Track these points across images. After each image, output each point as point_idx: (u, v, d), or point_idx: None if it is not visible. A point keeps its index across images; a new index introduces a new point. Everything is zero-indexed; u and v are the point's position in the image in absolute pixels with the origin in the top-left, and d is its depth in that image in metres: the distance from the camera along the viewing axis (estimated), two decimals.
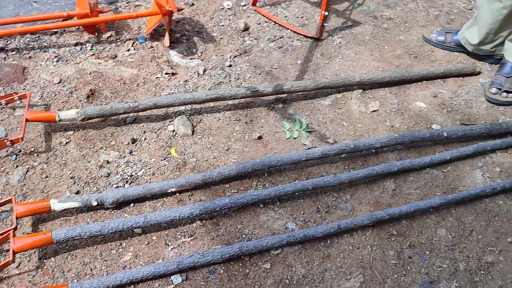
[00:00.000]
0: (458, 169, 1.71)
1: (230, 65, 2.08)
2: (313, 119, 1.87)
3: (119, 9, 2.27)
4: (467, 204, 1.60)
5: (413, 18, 2.35)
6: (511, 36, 1.96)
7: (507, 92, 1.94)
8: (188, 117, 1.83)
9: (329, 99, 1.95)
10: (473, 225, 1.55)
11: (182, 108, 1.87)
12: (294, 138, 1.79)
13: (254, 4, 2.37)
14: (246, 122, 1.84)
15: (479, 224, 1.55)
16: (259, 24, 2.29)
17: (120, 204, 1.53)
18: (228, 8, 2.37)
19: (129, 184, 1.61)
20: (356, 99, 1.94)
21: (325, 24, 2.18)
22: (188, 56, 2.10)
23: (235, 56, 2.12)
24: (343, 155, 1.72)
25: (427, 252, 1.48)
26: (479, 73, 2.07)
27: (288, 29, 2.27)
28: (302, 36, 2.23)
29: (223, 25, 2.28)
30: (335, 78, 1.92)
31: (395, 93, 1.98)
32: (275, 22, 2.30)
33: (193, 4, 2.37)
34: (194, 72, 2.03)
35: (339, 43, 2.20)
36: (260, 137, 1.79)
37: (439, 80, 2.04)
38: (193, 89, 1.95)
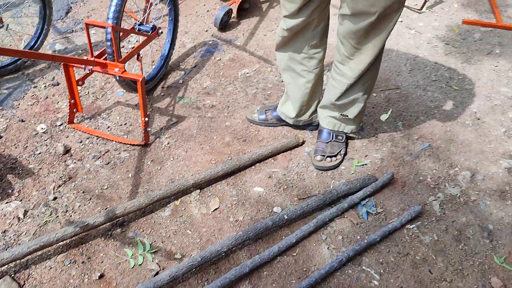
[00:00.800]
0: (306, 248, 1.74)
1: (55, 198, 1.90)
2: (156, 236, 1.77)
3: None
4: (322, 284, 1.63)
5: (234, 101, 2.43)
6: (321, 103, 2.12)
7: (330, 156, 2.07)
8: (12, 277, 1.60)
9: (168, 209, 1.88)
10: None
11: (4, 267, 1.63)
12: (140, 265, 1.67)
13: (71, 121, 2.23)
14: (83, 262, 1.67)
15: None
16: (81, 142, 2.16)
17: None
18: (43, 132, 2.20)
19: None
20: (196, 201, 1.90)
21: (149, 129, 2.14)
22: (3, 201, 1.87)
23: (59, 186, 1.95)
24: (194, 270, 1.64)
25: None
26: (303, 142, 2.19)
27: (113, 140, 2.17)
28: (129, 145, 2.15)
29: (40, 153, 2.09)
30: (169, 187, 1.86)
31: (233, 184, 1.98)
32: (97, 136, 2.19)
33: (1, 137, 2.15)
34: (14, 218, 1.81)
35: (168, 144, 2.17)
36: (102, 276, 1.63)
37: (270, 159, 2.10)
38: (14, 240, 1.72)
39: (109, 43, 2.01)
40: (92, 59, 1.99)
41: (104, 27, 1.98)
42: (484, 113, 2.41)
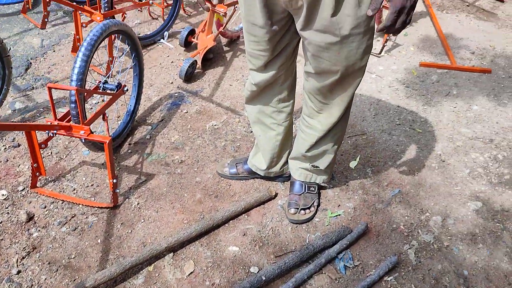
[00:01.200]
0: None
1: (19, 272, 1.79)
2: None
3: None
4: None
5: (203, 154, 2.41)
6: (292, 154, 2.12)
7: (304, 209, 2.06)
8: None
9: (141, 275, 1.80)
10: None
11: None
12: None
13: (33, 186, 2.14)
14: None
15: None
16: (45, 207, 2.07)
17: None
18: (4, 199, 2.09)
19: None
20: (170, 266, 1.84)
21: (117, 190, 2.07)
22: None
23: (23, 258, 1.85)
24: None
25: None
26: (276, 195, 2.18)
27: (79, 204, 2.09)
28: (97, 208, 2.07)
29: (1, 222, 1.99)
30: (142, 252, 1.79)
31: (207, 245, 1.93)
32: (63, 200, 2.10)
33: None
34: None
35: (138, 204, 2.11)
36: None
37: (243, 215, 2.07)
38: None
39: (73, 105, 1.96)
40: (56, 123, 1.93)
41: (68, 90, 1.93)
42: (448, 155, 2.48)
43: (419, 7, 4.10)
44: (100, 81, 2.22)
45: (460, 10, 4.14)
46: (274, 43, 1.72)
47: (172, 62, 3.16)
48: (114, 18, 3.02)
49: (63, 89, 1.94)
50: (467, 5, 4.23)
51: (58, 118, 1.99)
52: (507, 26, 3.90)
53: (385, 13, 3.51)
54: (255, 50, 1.77)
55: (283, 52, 1.78)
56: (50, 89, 1.93)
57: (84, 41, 2.03)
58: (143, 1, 3.10)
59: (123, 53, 3.08)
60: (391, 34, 1.43)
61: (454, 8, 4.19)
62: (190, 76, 2.94)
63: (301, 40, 1.69)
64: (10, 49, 3.06)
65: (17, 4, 3.69)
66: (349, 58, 1.59)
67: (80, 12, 2.81)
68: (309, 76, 1.76)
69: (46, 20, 3.04)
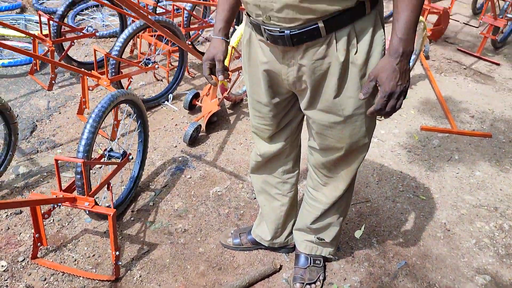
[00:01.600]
0: None
1: None
2: None
3: None
4: None
5: (206, 223, 2.38)
6: (297, 226, 2.10)
7: (310, 284, 2.02)
8: None
9: None
10: None
11: None
12: None
13: (34, 257, 2.10)
14: None
15: None
16: (45, 280, 2.02)
17: None
18: (3, 271, 2.05)
19: None
20: None
21: (120, 263, 2.04)
22: None
23: None
24: None
25: None
26: (280, 267, 2.14)
27: (80, 276, 2.05)
28: (97, 281, 2.03)
29: None
30: None
31: None
32: (63, 271, 2.06)
33: None
34: None
35: (140, 277, 2.06)
36: None
37: None
38: None
39: (79, 176, 1.97)
40: (61, 195, 1.93)
41: (74, 162, 1.94)
42: (453, 224, 2.46)
43: (418, 69, 4.21)
44: (105, 149, 2.24)
45: (458, 73, 4.25)
46: (278, 119, 1.75)
47: (176, 125, 3.19)
48: (121, 83, 3.09)
49: (70, 161, 1.94)
50: (464, 68, 4.34)
51: (63, 189, 1.99)
52: (504, 89, 3.99)
53: None
54: (260, 124, 1.80)
55: (288, 127, 1.81)
56: (57, 161, 1.93)
57: (92, 112, 2.06)
58: (149, 66, 3.18)
59: (128, 115, 3.12)
60: (382, 117, 1.46)
61: (452, 70, 4.30)
62: (194, 140, 2.97)
63: (305, 117, 1.72)
64: (17, 116, 3.10)
65: (24, 66, 3.77)
66: (353, 136, 1.61)
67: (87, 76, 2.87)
68: (314, 151, 1.77)
69: (53, 82, 3.10)
